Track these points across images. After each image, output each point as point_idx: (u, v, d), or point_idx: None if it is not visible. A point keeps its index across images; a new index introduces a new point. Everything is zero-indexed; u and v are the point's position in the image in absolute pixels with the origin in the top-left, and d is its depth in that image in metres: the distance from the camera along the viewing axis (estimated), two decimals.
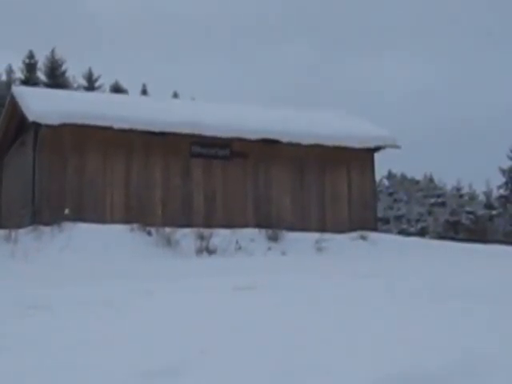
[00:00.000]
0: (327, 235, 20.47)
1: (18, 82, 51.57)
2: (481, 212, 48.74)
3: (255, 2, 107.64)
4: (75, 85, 56.10)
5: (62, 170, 20.74)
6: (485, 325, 5.73)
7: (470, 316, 6.17)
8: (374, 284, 9.23)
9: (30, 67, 55.67)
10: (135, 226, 19.36)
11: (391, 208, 51.95)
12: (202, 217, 21.68)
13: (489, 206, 51.44)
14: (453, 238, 32.16)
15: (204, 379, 4.16)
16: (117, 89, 56.19)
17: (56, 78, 54.50)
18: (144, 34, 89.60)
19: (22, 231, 18.49)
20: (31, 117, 20.40)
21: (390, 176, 57.50)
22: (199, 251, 18.26)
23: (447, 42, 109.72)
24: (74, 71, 57.81)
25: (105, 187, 21.11)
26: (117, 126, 20.92)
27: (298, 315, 6.57)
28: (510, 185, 51.86)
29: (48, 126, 20.34)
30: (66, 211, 19.59)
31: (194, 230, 19.27)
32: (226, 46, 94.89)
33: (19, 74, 55.82)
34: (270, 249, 19.17)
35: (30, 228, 18.89)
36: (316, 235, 20.23)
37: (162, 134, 21.47)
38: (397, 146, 24.07)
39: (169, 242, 18.59)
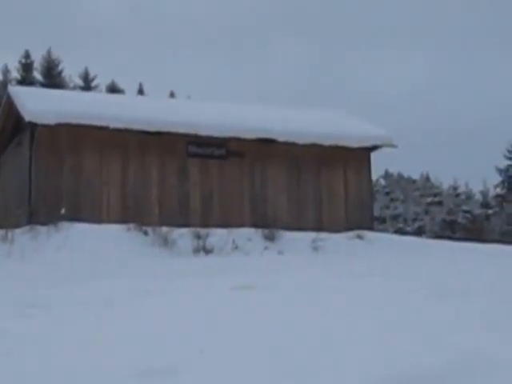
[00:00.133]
0: (324, 234, 20.46)
1: (14, 82, 51.59)
2: (477, 211, 48.82)
3: (255, 2, 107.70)
4: (71, 84, 56.12)
5: (58, 169, 20.71)
6: (483, 324, 5.72)
7: (469, 315, 6.17)
8: (371, 283, 9.23)
9: (27, 67, 55.68)
10: (132, 225, 19.34)
11: (388, 207, 52.01)
12: (199, 216, 21.66)
13: (485, 205, 51.51)
14: (449, 237, 32.19)
15: (202, 378, 4.14)
16: (113, 88, 56.23)
17: (52, 78, 54.50)
18: (140, 34, 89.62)
19: (18, 231, 18.46)
20: (27, 116, 20.37)
21: (387, 175, 57.57)
22: (196, 251, 18.25)
23: (444, 42, 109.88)
24: (71, 71, 57.86)
25: (101, 187, 21.08)
26: (113, 125, 20.89)
27: (296, 315, 6.56)
28: (506, 184, 51.97)
29: (44, 126, 20.31)
30: (63, 211, 19.56)
31: (191, 229, 19.26)
32: (224, 46, 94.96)
33: (15, 74, 55.86)
34: (266, 248, 19.16)
35: (27, 228, 18.86)
36: (312, 234, 20.22)
37: (159, 134, 21.45)
38: (393, 146, 24.06)
39: (165, 242, 18.57)
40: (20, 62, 55.65)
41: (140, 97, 44.36)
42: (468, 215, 47.76)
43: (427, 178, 56.82)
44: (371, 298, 7.58)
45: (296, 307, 7.11)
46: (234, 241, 18.77)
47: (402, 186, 55.12)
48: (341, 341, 5.10)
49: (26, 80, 52.63)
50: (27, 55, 55.74)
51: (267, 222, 21.44)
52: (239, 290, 8.60)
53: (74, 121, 20.55)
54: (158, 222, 19.92)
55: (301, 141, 22.75)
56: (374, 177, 37.45)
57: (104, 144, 21.20)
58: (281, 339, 5.22)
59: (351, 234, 21.45)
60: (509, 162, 52.71)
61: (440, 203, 50.54)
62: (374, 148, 24.09)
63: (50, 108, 20.72)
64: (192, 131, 21.70)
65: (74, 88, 54.03)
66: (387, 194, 54.48)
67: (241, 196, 22.44)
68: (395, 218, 50.61)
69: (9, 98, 22.59)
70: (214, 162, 22.27)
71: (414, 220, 49.72)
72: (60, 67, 56.29)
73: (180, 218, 21.20)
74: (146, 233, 19.06)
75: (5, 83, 46.76)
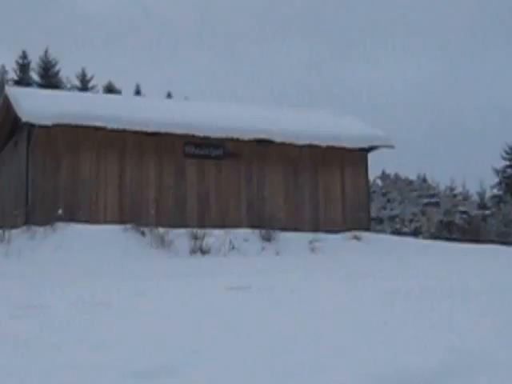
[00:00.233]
0: (321, 235, 20.50)
1: (11, 83, 51.54)
2: (474, 212, 48.82)
3: (252, 3, 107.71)
4: (68, 85, 56.09)
5: (55, 170, 20.72)
6: (481, 324, 5.73)
7: (466, 315, 6.18)
8: (368, 284, 9.24)
9: (24, 67, 55.67)
10: (129, 226, 19.36)
11: (385, 208, 52.00)
12: (196, 217, 21.68)
13: (482, 206, 51.52)
14: (446, 238, 32.23)
15: (199, 379, 4.15)
16: (110, 89, 56.19)
17: (49, 79, 54.48)
18: (137, 34, 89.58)
19: (15, 231, 18.48)
20: (24, 117, 20.38)
21: (384, 176, 57.56)
22: (193, 251, 18.26)
23: (441, 43, 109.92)
24: (68, 71, 57.85)
25: (98, 187, 21.09)
26: (110, 126, 20.91)
27: (293, 315, 6.56)
28: (503, 185, 52.01)
29: (41, 127, 20.32)
30: (60, 211, 19.58)
31: (188, 230, 19.28)
32: (222, 46, 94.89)
33: (12, 75, 55.81)
34: (263, 249, 19.18)
35: (24, 228, 18.87)
36: (310, 235, 20.26)
37: (156, 135, 21.47)
38: (390, 146, 24.11)
39: (162, 242, 18.58)
40: (17, 62, 55.64)
41: (137, 97, 44.33)
42: (465, 216, 47.77)
43: (424, 179, 56.81)
44: (366, 299, 7.59)
45: (294, 308, 7.12)
46: (230, 241, 18.79)
47: (399, 187, 55.11)
48: (338, 340, 5.11)
49: (23, 81, 52.62)
50: (24, 56, 55.73)
51: (264, 222, 21.46)
52: (236, 291, 8.61)
53: (70, 121, 20.56)
54: (154, 223, 19.93)
55: (298, 141, 22.79)
56: (371, 177, 37.47)
57: (101, 144, 21.21)
58: (277, 340, 5.22)
59: (348, 234, 21.48)
60: (506, 163, 52.77)
61: (437, 204, 50.53)
62: (371, 149, 24.12)
63: (46, 109, 20.73)
64: (189, 132, 21.72)
65: (71, 89, 54.00)
66: (384, 194, 54.47)
67: (238, 196, 22.46)
68: (392, 218, 50.61)
69: (6, 98, 22.59)
70: (211, 162, 22.29)
71: (411, 221, 49.72)
72: (57, 68, 56.27)
73: (177, 218, 21.22)
74: (142, 233, 19.07)
75: (2, 84, 46.72)
